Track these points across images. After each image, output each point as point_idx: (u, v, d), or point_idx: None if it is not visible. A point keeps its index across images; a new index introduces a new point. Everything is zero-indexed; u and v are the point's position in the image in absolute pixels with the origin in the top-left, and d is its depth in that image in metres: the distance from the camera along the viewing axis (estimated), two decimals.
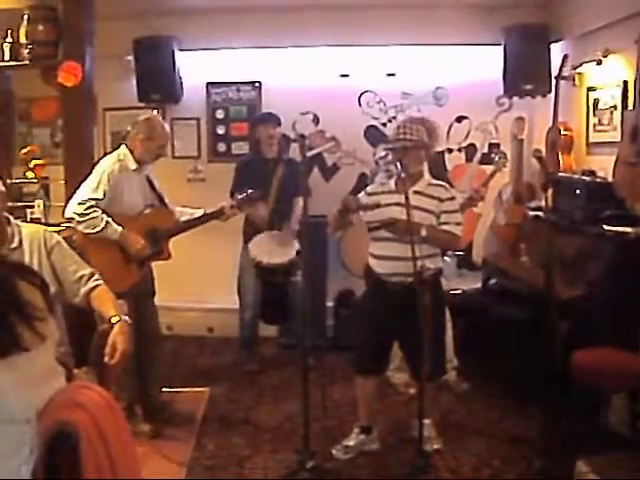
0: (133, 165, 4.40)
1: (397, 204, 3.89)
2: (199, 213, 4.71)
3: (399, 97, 6.51)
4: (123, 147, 4.46)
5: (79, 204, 4.17)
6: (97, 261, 3.80)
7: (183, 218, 4.67)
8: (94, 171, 4.32)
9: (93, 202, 4.16)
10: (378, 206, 3.97)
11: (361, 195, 4.20)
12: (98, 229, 4.17)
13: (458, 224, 4.02)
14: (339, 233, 5.33)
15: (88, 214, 4.15)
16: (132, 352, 4.13)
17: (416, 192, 3.93)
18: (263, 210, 5.52)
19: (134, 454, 2.54)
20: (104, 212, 4.21)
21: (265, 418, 4.82)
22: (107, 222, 4.19)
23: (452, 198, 4.06)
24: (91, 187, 4.22)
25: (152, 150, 4.46)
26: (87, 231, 4.17)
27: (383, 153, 5.32)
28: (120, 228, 4.25)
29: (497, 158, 5.34)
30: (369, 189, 4.25)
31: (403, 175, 3.79)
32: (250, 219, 5.65)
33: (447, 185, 4.17)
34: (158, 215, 4.55)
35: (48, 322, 2.37)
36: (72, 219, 4.20)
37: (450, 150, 6.58)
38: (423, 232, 3.78)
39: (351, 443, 4.27)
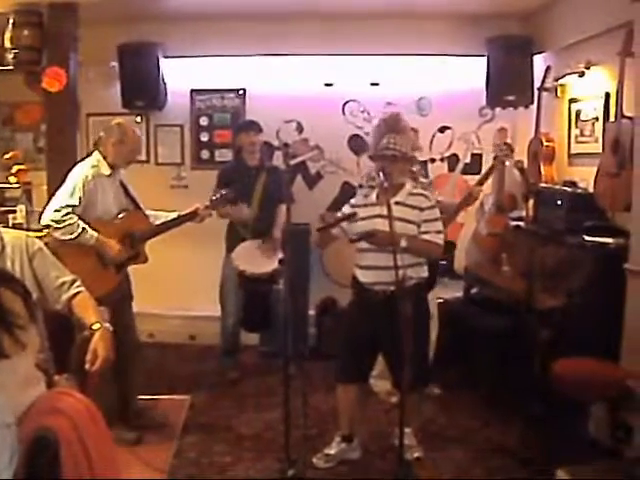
0: (107, 170, 4.41)
1: (379, 216, 3.89)
2: (173, 215, 4.71)
3: (383, 106, 6.52)
4: (96, 153, 4.46)
5: (55, 211, 4.17)
6: (74, 267, 3.69)
7: (158, 221, 4.67)
8: (68, 178, 4.32)
9: (69, 209, 4.17)
10: (355, 215, 4.00)
11: (346, 208, 4.22)
12: (75, 235, 4.17)
13: (439, 232, 4.03)
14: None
15: (65, 221, 4.15)
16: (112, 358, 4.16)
17: (397, 203, 3.93)
18: (245, 212, 5.51)
19: (114, 460, 2.54)
20: (80, 218, 4.21)
21: (246, 426, 4.81)
22: (83, 228, 4.19)
23: (432, 207, 4.06)
24: (67, 194, 4.22)
25: (124, 154, 4.47)
26: (64, 237, 4.16)
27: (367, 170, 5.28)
28: (96, 234, 4.25)
29: (499, 151, 5.08)
30: (352, 201, 4.26)
31: (386, 185, 3.80)
32: (233, 226, 5.64)
33: (428, 194, 4.18)
34: (133, 219, 4.55)
35: (29, 330, 2.36)
36: (49, 226, 4.19)
37: (433, 160, 6.61)
38: (403, 243, 3.78)
39: (332, 452, 4.27)
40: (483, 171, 6.05)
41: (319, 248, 4.68)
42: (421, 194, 4.10)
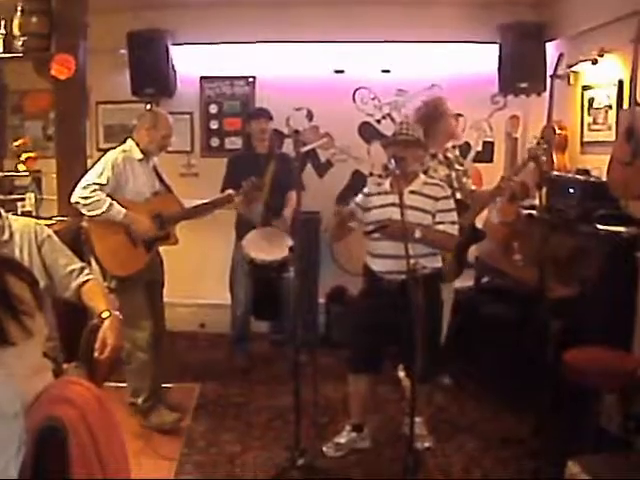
0: (139, 155, 4.51)
1: (393, 204, 3.86)
2: (206, 201, 4.83)
3: (394, 94, 6.50)
4: (129, 140, 4.57)
5: (83, 188, 4.27)
6: (105, 245, 4.36)
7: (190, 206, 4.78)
8: (99, 161, 4.43)
9: (97, 186, 4.27)
10: (369, 210, 3.96)
11: (359, 197, 4.19)
12: (102, 210, 4.26)
13: (453, 223, 3.99)
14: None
15: (92, 197, 4.25)
16: (152, 344, 4.39)
17: (412, 192, 3.91)
18: (256, 214, 5.50)
19: (123, 449, 2.52)
20: (111, 198, 4.32)
21: (256, 414, 4.82)
22: (111, 204, 4.29)
23: (448, 197, 4.03)
24: (95, 173, 4.33)
25: (156, 140, 4.57)
26: (92, 213, 4.27)
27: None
28: (124, 209, 4.35)
29: (536, 143, 4.90)
30: (366, 190, 4.24)
31: (397, 172, 3.77)
32: (243, 215, 5.62)
33: (443, 184, 4.15)
34: (164, 200, 4.65)
35: (36, 318, 2.34)
36: (77, 203, 4.29)
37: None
38: (417, 234, 3.75)
39: (342, 441, 4.26)
40: (495, 159, 6.06)
41: (336, 240, 4.65)
42: (436, 184, 4.07)
